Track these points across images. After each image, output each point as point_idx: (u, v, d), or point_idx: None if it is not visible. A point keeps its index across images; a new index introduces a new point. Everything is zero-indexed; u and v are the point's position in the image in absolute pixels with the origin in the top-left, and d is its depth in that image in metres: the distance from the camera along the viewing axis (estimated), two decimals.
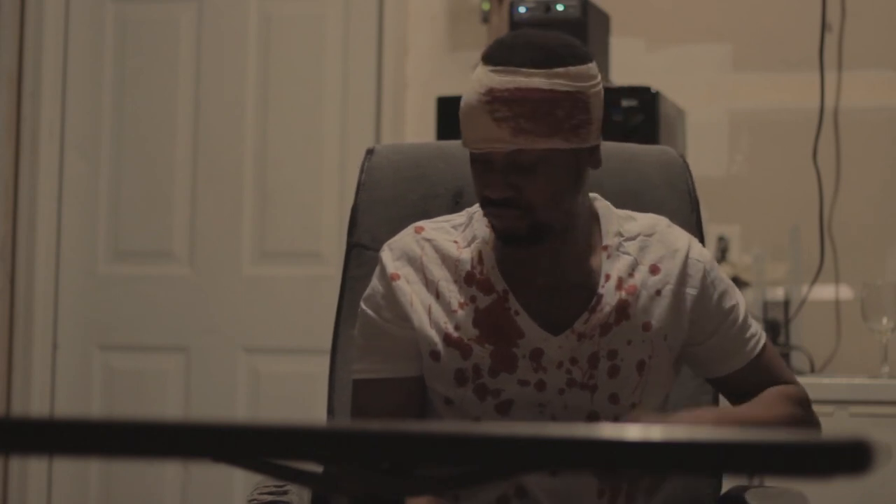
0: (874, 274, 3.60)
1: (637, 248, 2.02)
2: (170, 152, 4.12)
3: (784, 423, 1.98)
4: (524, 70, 1.89)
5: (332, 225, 3.99)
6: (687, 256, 2.02)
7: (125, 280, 4.13)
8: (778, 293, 3.63)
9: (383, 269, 2.03)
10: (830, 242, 3.75)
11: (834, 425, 3.13)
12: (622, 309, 1.98)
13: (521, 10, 3.46)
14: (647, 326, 1.98)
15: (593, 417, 1.97)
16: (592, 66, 1.94)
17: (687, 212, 2.27)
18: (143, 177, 4.13)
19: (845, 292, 3.76)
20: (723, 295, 2.03)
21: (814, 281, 3.70)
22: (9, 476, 4.05)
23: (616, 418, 1.97)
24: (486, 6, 3.85)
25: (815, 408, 2.06)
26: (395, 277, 2.02)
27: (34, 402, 4.06)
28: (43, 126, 4.10)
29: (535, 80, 1.89)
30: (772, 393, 2.04)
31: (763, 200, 3.86)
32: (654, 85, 3.40)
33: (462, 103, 1.93)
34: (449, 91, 3.40)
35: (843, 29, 3.81)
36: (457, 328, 1.99)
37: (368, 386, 2.04)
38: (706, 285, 2.02)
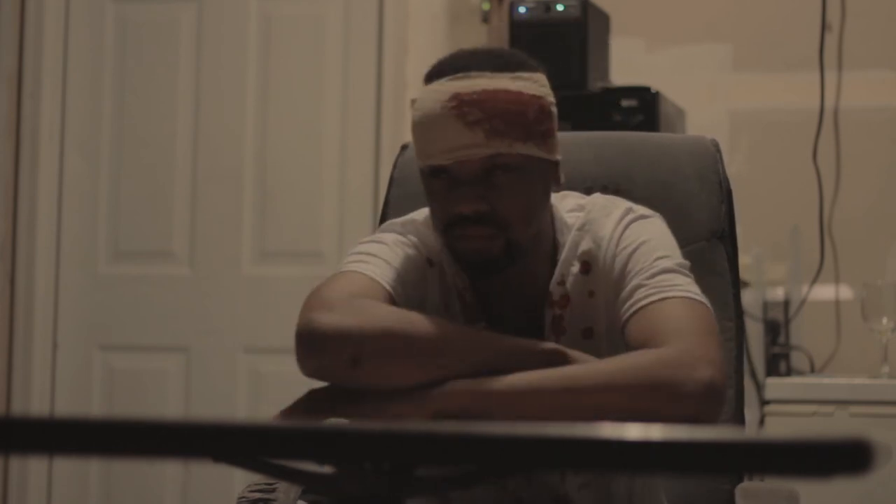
0: (874, 274, 3.59)
1: (573, 244, 1.85)
2: (170, 152, 4.11)
3: (633, 386, 1.64)
4: (488, 73, 1.76)
5: (332, 225, 3.99)
6: (616, 247, 1.82)
7: (125, 280, 4.13)
8: (778, 293, 3.63)
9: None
10: (830, 242, 3.75)
11: (834, 425, 3.13)
12: (557, 324, 1.84)
13: (521, 10, 3.46)
14: (587, 333, 1.84)
15: None
16: (545, 78, 1.82)
17: (716, 203, 2.24)
18: (143, 177, 4.13)
19: (845, 292, 3.76)
20: (632, 269, 1.79)
21: (814, 281, 3.70)
22: (9, 476, 4.05)
23: None
24: (486, 6, 3.85)
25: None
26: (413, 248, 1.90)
27: (34, 402, 4.05)
28: (43, 126, 4.09)
29: (502, 81, 1.75)
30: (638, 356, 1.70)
31: (763, 200, 3.86)
32: (654, 85, 3.40)
33: (418, 117, 1.79)
34: None
35: (843, 29, 3.81)
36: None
37: (351, 276, 1.84)
38: (625, 273, 1.80)
